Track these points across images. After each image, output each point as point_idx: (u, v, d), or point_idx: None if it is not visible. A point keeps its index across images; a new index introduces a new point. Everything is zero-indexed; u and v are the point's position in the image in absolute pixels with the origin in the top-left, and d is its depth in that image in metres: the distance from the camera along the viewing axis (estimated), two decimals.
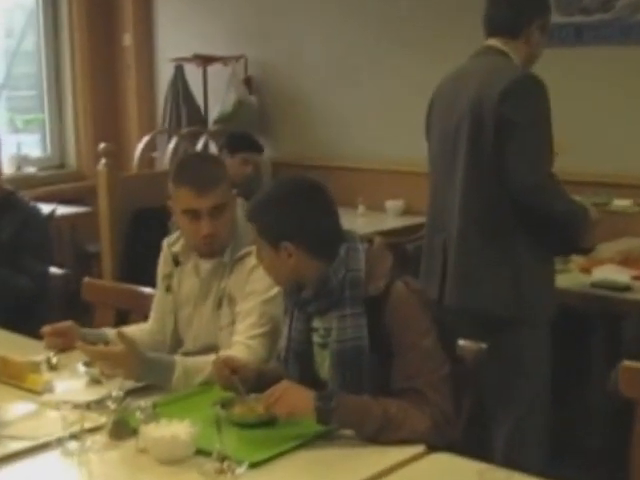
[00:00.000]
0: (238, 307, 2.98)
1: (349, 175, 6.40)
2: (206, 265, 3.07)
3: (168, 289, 3.19)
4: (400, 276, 2.53)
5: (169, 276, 3.18)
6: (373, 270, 2.52)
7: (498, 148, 3.35)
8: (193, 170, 2.96)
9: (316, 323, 2.60)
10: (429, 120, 3.77)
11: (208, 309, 3.07)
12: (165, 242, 3.23)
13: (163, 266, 3.22)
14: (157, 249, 3.28)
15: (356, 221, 5.77)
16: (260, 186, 3.93)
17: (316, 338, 2.61)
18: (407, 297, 2.49)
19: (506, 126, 3.33)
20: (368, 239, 2.63)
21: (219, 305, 3.03)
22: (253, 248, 2.75)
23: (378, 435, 2.35)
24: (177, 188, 2.95)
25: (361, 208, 6.14)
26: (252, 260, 2.90)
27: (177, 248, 3.15)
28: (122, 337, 2.72)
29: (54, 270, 4.19)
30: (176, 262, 3.16)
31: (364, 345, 2.47)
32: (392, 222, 5.96)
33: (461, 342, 2.77)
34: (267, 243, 2.55)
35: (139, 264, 5.23)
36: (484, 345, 2.76)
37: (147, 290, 3.55)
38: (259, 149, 5.55)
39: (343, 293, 2.50)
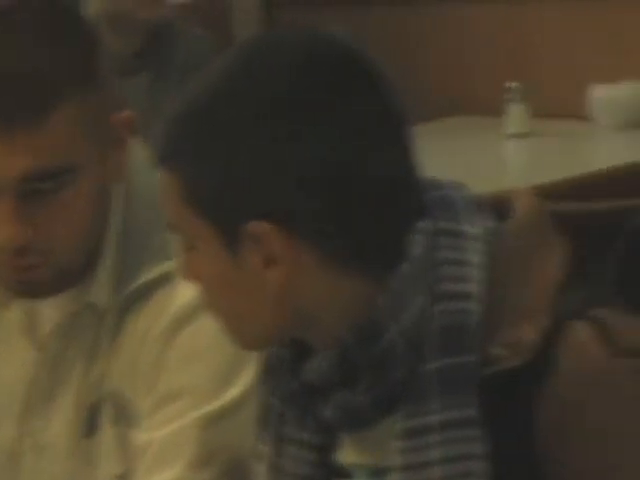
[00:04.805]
0: (142, 431, 1.31)
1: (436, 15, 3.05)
2: (51, 312, 1.37)
3: None
4: (586, 306, 1.08)
5: None
6: (508, 292, 1.06)
7: None
8: None
9: (346, 452, 1.10)
10: None
11: (61, 435, 1.36)
12: None
13: None
14: None
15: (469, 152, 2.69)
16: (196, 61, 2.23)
17: None
18: (605, 366, 1.05)
19: None
20: (498, 203, 1.13)
21: (90, 425, 1.33)
22: (172, 265, 1.27)
23: None
24: None
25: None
26: (175, 297, 1.31)
27: None
28: None
29: None
30: None
31: None
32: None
33: None
34: (215, 229, 1.06)
35: None
36: None
37: None
38: None
39: (420, 364, 1.03)
